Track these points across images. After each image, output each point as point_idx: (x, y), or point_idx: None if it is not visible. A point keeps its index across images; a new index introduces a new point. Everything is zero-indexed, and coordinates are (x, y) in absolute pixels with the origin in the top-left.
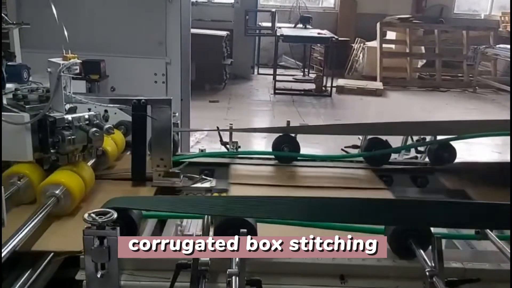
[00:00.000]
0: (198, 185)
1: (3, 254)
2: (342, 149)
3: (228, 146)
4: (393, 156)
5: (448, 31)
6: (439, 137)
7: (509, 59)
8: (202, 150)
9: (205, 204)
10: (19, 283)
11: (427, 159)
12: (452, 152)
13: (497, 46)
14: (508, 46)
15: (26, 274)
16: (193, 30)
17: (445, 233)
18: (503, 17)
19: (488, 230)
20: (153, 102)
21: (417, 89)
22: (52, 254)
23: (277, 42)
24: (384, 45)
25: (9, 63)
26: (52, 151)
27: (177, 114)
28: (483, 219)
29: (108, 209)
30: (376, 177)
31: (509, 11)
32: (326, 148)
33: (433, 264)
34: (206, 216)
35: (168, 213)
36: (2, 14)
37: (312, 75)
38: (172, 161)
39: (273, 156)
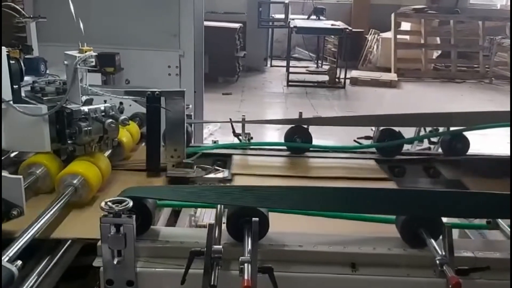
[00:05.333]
0: (211, 175)
1: (23, 241)
2: (354, 140)
3: (240, 137)
4: (406, 147)
5: (464, 21)
6: (452, 128)
7: None
8: (215, 142)
9: (218, 194)
10: (38, 269)
11: (440, 150)
12: (466, 143)
13: None
14: None
15: (45, 261)
16: (206, 23)
17: (456, 223)
18: None
19: (499, 220)
20: (167, 94)
21: (432, 81)
22: (70, 241)
23: (290, 34)
24: (398, 36)
25: (27, 56)
26: (69, 142)
27: (190, 106)
28: (483, 209)
29: (124, 198)
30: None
31: None
32: (338, 139)
33: (443, 253)
34: (219, 205)
35: (181, 203)
36: (19, 8)
37: (326, 67)
38: (185, 152)
39: (285, 147)
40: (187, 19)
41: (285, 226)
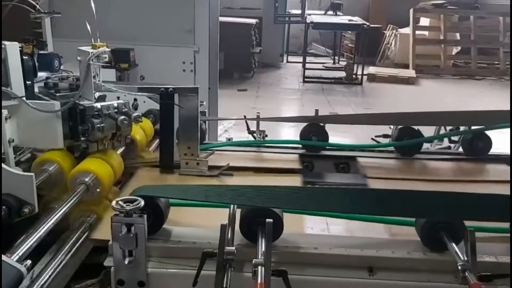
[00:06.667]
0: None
1: (34, 240)
2: (372, 139)
3: (255, 135)
4: (425, 146)
5: (484, 17)
6: (473, 127)
7: None
8: (229, 139)
9: (231, 194)
10: (50, 267)
11: (460, 149)
12: (487, 142)
13: None
14: None
15: (57, 259)
16: (222, 18)
17: (478, 226)
18: None
19: None
20: (180, 90)
21: (451, 77)
22: (82, 239)
23: (306, 30)
24: (417, 32)
25: (41, 52)
26: (82, 138)
27: (204, 103)
28: (482, 211)
29: (135, 197)
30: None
31: None
32: (355, 138)
33: (465, 258)
34: (232, 205)
35: (194, 202)
36: (35, 4)
37: (343, 63)
38: (199, 150)
39: (300, 145)
40: (202, 15)
41: (300, 228)
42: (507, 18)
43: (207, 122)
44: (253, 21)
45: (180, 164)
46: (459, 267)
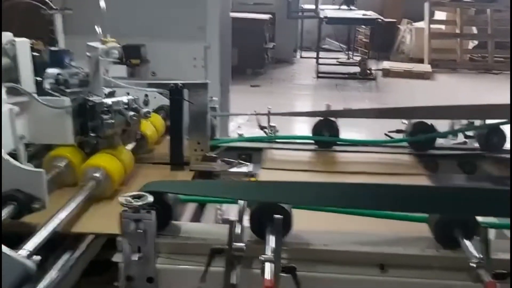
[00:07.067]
0: (235, 169)
1: (43, 235)
2: (385, 134)
3: (266, 130)
4: (440, 141)
5: (502, 10)
6: (489, 121)
7: None
8: (240, 135)
9: (240, 189)
10: (60, 263)
11: (476, 145)
12: (502, 137)
13: None
14: None
15: (67, 255)
16: (235, 14)
17: (493, 222)
18: None
19: None
20: (190, 86)
21: (468, 72)
22: (90, 235)
23: (320, 25)
24: (432, 26)
25: (52, 48)
26: (92, 134)
27: (215, 99)
28: (482, 206)
29: (144, 193)
30: (419, 163)
31: None
32: (368, 133)
33: (479, 255)
34: (241, 201)
35: (204, 198)
36: (47, 0)
37: (357, 58)
38: (209, 145)
39: (312, 141)
40: (214, 11)
41: (309, 224)
42: None
43: (217, 118)
44: (266, 16)
45: (190, 160)
46: (473, 265)
